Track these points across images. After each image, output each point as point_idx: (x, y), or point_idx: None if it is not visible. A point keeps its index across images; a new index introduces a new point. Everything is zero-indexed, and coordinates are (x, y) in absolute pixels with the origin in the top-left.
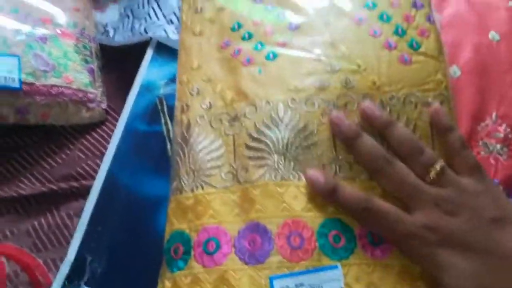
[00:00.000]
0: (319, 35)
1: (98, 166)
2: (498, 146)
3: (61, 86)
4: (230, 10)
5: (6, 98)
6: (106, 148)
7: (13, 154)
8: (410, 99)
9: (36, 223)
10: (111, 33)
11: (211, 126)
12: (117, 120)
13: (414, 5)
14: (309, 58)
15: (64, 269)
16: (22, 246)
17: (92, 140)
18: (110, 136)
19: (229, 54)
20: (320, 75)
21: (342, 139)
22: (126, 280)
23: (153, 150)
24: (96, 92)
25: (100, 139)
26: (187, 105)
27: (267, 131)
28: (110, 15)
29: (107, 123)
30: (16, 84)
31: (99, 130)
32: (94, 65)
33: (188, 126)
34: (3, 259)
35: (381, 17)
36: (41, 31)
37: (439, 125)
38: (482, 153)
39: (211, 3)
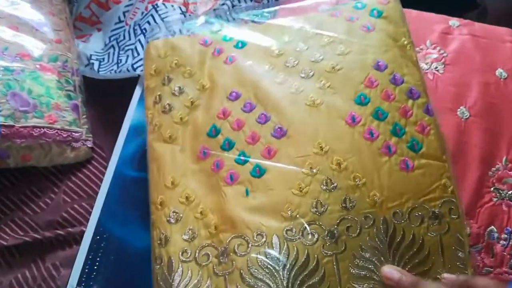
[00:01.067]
0: (309, 143)
1: (85, 210)
2: (510, 192)
3: (44, 127)
4: (203, 108)
5: None
6: (92, 190)
7: None
8: (416, 213)
9: (19, 275)
10: (95, 66)
11: (197, 263)
12: (103, 158)
13: (410, 94)
14: (301, 172)
15: None
16: None
17: (78, 182)
18: (97, 176)
19: (208, 167)
20: (316, 194)
21: None
22: None
23: (143, 197)
24: (81, 130)
25: (86, 180)
26: (166, 238)
27: (263, 273)
28: (94, 45)
29: (93, 162)
30: None
31: (84, 170)
32: (78, 101)
33: (170, 265)
34: None
35: (375, 115)
36: (19, 67)
37: None
38: (494, 199)
39: (180, 99)
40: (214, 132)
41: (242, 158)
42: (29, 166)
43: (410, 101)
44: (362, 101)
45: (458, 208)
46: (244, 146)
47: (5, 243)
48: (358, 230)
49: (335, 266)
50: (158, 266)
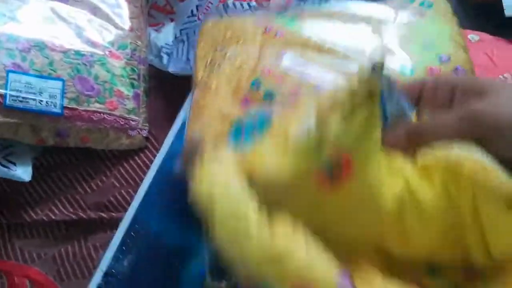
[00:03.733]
0: None
1: (131, 197)
2: None
3: (104, 113)
4: (250, 67)
5: (46, 122)
6: (141, 178)
7: (50, 173)
8: None
9: (63, 250)
10: (164, 59)
11: None
12: (157, 149)
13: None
14: None
15: None
16: (47, 273)
17: (129, 169)
18: (147, 166)
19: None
20: None
21: None
22: None
23: (185, 195)
24: (139, 119)
25: (136, 168)
26: None
27: None
28: (166, 35)
29: (146, 151)
30: (58, 110)
31: (137, 158)
32: (140, 90)
33: None
34: (27, 283)
35: None
36: (90, 52)
37: None
38: None
39: (231, 61)
40: (256, 86)
41: None
42: (87, 147)
43: None
44: None
45: None
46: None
47: (54, 217)
48: None
49: None
50: None
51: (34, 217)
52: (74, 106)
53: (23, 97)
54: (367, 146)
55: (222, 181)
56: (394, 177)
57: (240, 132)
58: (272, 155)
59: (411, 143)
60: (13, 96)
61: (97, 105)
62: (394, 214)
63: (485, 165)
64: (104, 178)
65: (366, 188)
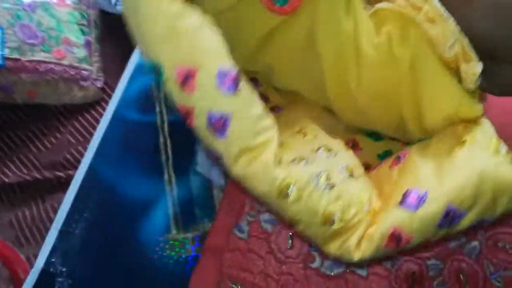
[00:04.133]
0: None
1: None
2: None
3: (51, 62)
4: None
5: None
6: None
7: None
8: None
9: (20, 214)
10: (113, 0)
11: None
12: None
13: None
14: None
15: (32, 278)
16: (4, 239)
17: (84, 122)
18: None
19: None
20: None
21: None
22: None
23: (143, 143)
24: (91, 68)
25: (93, 121)
26: None
27: None
28: None
29: (102, 103)
30: None
31: (93, 111)
32: (92, 37)
33: None
34: None
35: None
36: None
37: None
38: None
39: None
40: None
41: None
42: (37, 103)
43: None
44: None
45: None
46: None
47: (7, 180)
48: None
49: None
50: None
51: None
52: (17, 56)
53: None
54: None
55: None
56: (346, 19)
57: None
58: None
59: None
60: None
61: (42, 54)
62: (335, 59)
63: (440, 12)
64: (58, 135)
65: (311, 28)
